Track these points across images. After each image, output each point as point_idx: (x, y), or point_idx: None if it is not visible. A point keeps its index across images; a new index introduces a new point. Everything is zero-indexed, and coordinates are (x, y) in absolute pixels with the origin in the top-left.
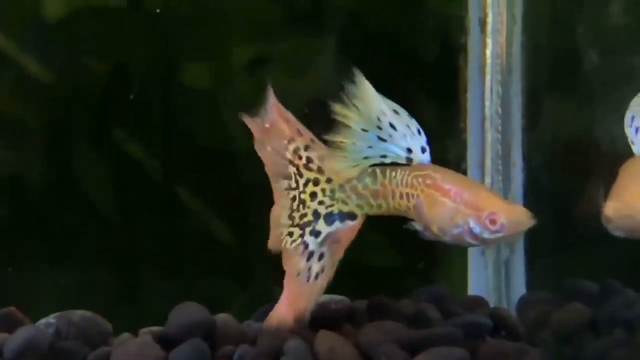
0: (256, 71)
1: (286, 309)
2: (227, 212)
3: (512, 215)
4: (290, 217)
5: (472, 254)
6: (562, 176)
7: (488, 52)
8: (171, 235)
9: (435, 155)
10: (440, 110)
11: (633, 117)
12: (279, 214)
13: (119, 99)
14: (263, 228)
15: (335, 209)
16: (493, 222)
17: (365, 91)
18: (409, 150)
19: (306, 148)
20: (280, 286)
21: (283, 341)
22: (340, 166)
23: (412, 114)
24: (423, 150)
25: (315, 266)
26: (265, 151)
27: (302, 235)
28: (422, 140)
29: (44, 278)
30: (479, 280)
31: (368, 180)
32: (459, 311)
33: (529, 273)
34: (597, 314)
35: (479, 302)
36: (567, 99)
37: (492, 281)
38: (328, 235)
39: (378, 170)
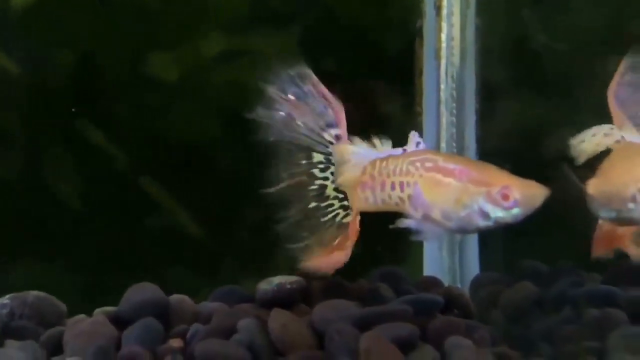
0: (224, 63)
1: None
2: (195, 205)
3: (525, 189)
4: (339, 191)
5: None
6: (515, 159)
7: (443, 35)
8: (138, 228)
9: (392, 139)
10: (397, 94)
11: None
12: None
13: (85, 90)
14: (230, 220)
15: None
16: (505, 197)
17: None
18: (404, 150)
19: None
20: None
21: (236, 319)
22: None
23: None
24: (417, 144)
25: None
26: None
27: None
28: (416, 136)
29: (8, 271)
30: (433, 262)
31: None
32: (413, 290)
33: (483, 254)
34: (546, 293)
35: (433, 282)
36: (520, 83)
37: (446, 262)
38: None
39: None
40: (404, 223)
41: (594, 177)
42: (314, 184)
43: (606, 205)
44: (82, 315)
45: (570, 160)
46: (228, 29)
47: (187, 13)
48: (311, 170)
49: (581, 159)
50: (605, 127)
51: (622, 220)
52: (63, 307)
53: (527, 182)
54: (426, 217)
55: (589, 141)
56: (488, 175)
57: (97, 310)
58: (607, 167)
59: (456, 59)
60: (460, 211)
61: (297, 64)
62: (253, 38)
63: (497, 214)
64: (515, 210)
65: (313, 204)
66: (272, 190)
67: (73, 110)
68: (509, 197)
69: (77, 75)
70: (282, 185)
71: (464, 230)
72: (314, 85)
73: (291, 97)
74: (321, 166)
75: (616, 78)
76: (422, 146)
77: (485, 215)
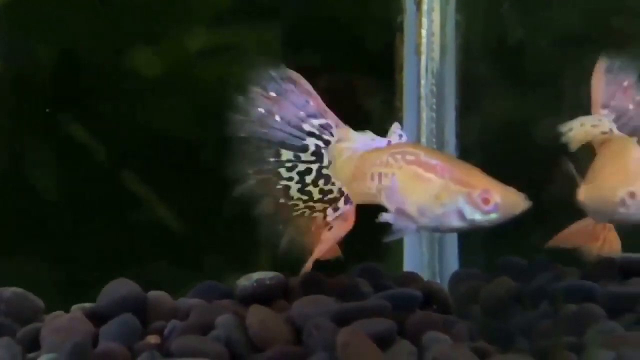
0: (207, 58)
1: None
2: (178, 200)
3: (507, 195)
4: (304, 192)
5: None
6: (494, 154)
7: (423, 31)
8: (119, 222)
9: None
10: (378, 90)
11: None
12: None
13: (68, 85)
14: (214, 216)
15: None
16: (486, 201)
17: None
18: (389, 142)
19: (336, 126)
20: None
21: (214, 315)
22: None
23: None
24: (400, 137)
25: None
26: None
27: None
28: (399, 129)
29: None
30: (413, 257)
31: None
32: (392, 285)
33: (462, 250)
34: (525, 288)
35: (412, 278)
36: (500, 78)
37: (426, 258)
38: (342, 212)
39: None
40: (384, 217)
41: (583, 183)
42: (278, 184)
43: (598, 211)
44: (60, 312)
45: (554, 155)
46: (211, 23)
47: (171, 7)
48: (279, 169)
49: (573, 147)
50: (594, 117)
51: (616, 222)
52: (40, 303)
53: (508, 189)
54: (400, 211)
55: (577, 129)
56: (470, 176)
57: (75, 307)
58: (595, 171)
59: (436, 55)
60: (438, 209)
61: (278, 64)
62: (236, 32)
63: (475, 216)
64: (494, 215)
65: (281, 200)
66: (238, 190)
67: (47, 110)
68: (490, 201)
69: (60, 70)
70: (249, 183)
71: (436, 229)
72: (297, 83)
73: (272, 94)
74: (289, 165)
75: (595, 77)
76: (404, 139)
77: (462, 216)
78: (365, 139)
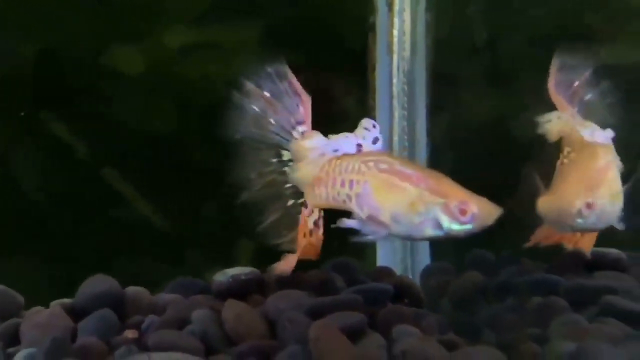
0: (189, 56)
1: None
2: (159, 197)
3: (482, 206)
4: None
5: None
6: (464, 152)
7: (395, 31)
8: (102, 219)
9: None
10: (352, 89)
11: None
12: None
13: (48, 83)
14: (196, 212)
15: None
16: (463, 211)
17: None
18: (359, 145)
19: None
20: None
21: (191, 310)
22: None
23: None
24: (375, 140)
25: None
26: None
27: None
28: (376, 132)
29: None
30: (387, 253)
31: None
32: (365, 280)
33: (433, 246)
34: (493, 282)
35: (385, 272)
36: (470, 77)
37: (399, 253)
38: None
39: (325, 158)
40: (344, 223)
41: (545, 193)
42: (288, 182)
43: (556, 221)
44: (39, 307)
45: (525, 153)
46: (192, 21)
47: (151, 4)
48: (283, 169)
49: (552, 139)
50: (572, 111)
51: (575, 231)
52: (20, 299)
53: (482, 199)
54: (371, 218)
55: (555, 122)
56: (445, 186)
57: (54, 302)
58: (557, 181)
59: (407, 54)
60: (413, 217)
61: (273, 59)
62: (215, 30)
63: (453, 226)
64: (469, 226)
65: (290, 202)
66: (245, 196)
67: (22, 114)
68: (467, 212)
69: (42, 67)
70: (255, 188)
71: (409, 237)
72: (290, 82)
73: (267, 94)
74: (291, 164)
75: (552, 76)
76: (379, 143)
77: (437, 225)
78: (326, 144)
